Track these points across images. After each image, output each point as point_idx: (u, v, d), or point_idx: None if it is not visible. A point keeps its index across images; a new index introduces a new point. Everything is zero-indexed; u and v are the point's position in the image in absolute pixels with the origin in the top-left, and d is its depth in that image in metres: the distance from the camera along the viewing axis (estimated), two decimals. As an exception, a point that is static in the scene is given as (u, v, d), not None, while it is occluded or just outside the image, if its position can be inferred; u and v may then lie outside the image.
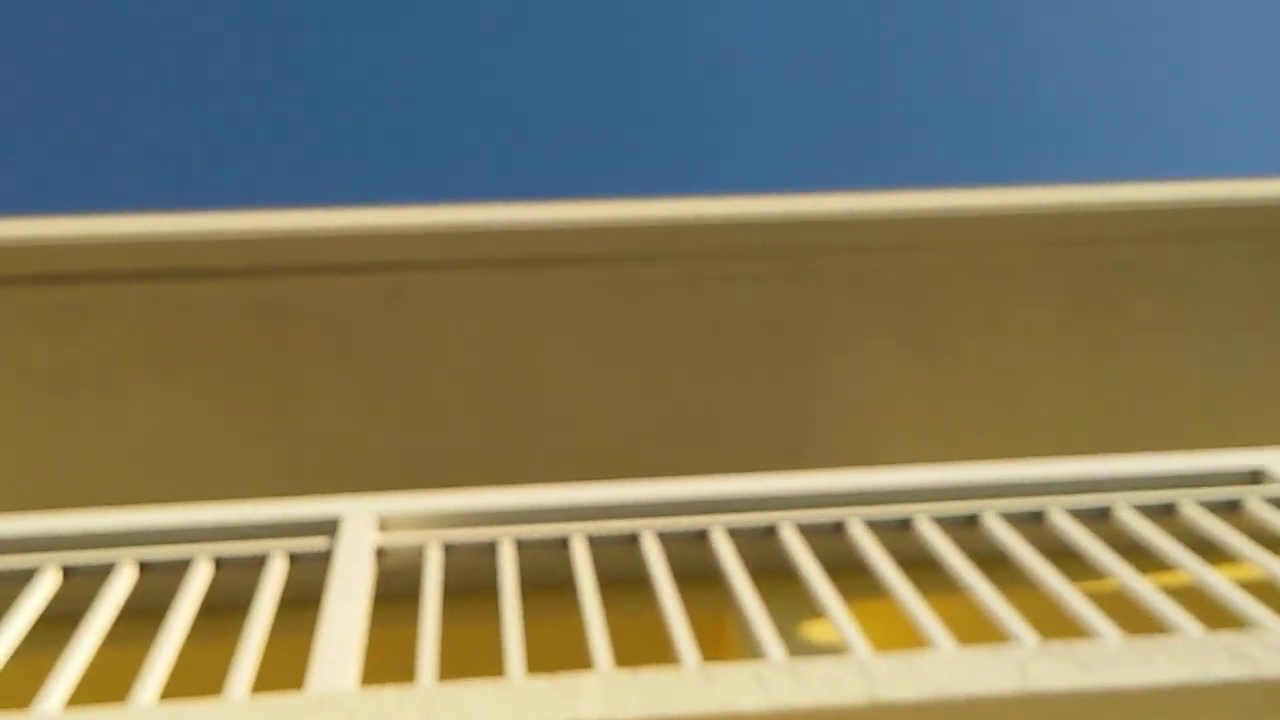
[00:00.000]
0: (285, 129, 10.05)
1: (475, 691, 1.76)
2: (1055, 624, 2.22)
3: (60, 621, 2.29)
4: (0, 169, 9.24)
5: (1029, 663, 1.79)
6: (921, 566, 2.46)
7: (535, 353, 4.42)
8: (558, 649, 2.33)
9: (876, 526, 2.54)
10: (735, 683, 1.77)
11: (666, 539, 2.48)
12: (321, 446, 4.31)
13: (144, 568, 2.34)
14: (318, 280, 4.06)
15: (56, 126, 9.74)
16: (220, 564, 2.37)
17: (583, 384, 4.50)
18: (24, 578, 2.28)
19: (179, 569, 2.33)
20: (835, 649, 2.52)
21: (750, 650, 2.49)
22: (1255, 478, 2.73)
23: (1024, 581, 2.40)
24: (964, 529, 2.56)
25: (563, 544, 2.47)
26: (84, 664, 2.00)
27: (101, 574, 2.30)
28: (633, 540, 2.48)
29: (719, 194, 4.23)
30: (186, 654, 2.21)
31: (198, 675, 2.21)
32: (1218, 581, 2.23)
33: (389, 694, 1.75)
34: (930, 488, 2.61)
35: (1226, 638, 1.89)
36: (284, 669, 2.15)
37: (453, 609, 2.38)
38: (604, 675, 1.80)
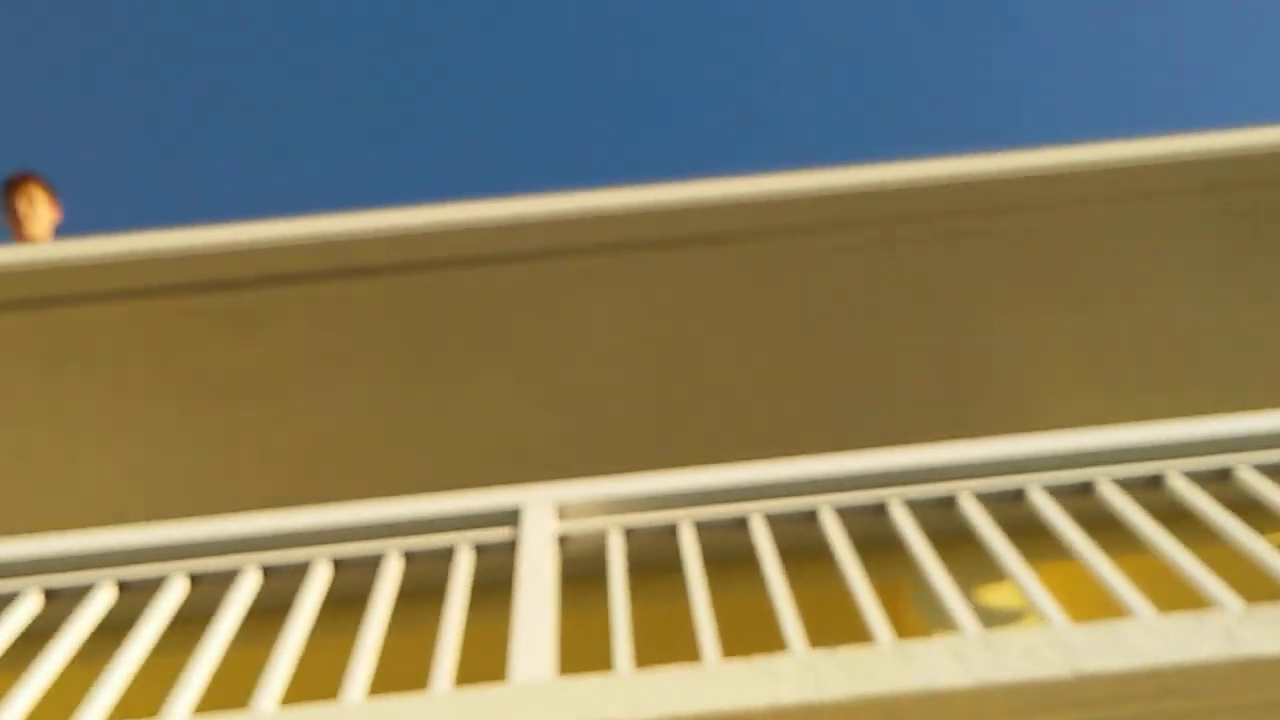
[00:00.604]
0: (428, 126, 10.19)
1: (673, 677, 1.78)
2: (1245, 586, 2.17)
3: (263, 616, 2.38)
4: (168, 182, 9.53)
5: (1235, 627, 1.76)
6: (1098, 531, 2.42)
7: (695, 332, 4.44)
8: (736, 624, 2.34)
9: (1057, 491, 2.50)
10: (933, 659, 1.77)
11: (845, 514, 2.48)
12: (484, 437, 4.37)
13: (338, 565, 2.41)
14: (473, 272, 4.13)
15: (219, 138, 10.02)
16: (410, 558, 2.42)
17: (744, 361, 4.50)
18: (226, 579, 2.36)
19: (371, 564, 2.39)
20: (1009, 618, 2.50)
21: (929, 624, 2.49)
22: None
23: (1208, 542, 2.35)
24: (1148, 490, 2.51)
25: (741, 524, 2.49)
26: (293, 659, 2.06)
27: (299, 572, 2.37)
28: (811, 517, 2.48)
29: (870, 162, 4.20)
30: (383, 647, 2.28)
31: (390, 669, 2.27)
32: None
33: (591, 683, 1.78)
34: (1111, 449, 2.56)
35: None
36: (470, 658, 2.20)
37: (632, 591, 2.40)
38: (800, 657, 1.81)
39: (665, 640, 2.27)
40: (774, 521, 2.48)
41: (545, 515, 2.50)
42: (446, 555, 2.43)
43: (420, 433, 4.43)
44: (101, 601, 2.32)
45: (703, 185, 4.31)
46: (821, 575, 2.38)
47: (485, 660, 2.17)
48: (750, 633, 2.30)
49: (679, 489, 2.54)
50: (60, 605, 2.36)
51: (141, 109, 9.98)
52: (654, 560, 2.52)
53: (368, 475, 4.36)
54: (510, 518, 2.50)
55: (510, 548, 2.43)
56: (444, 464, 4.39)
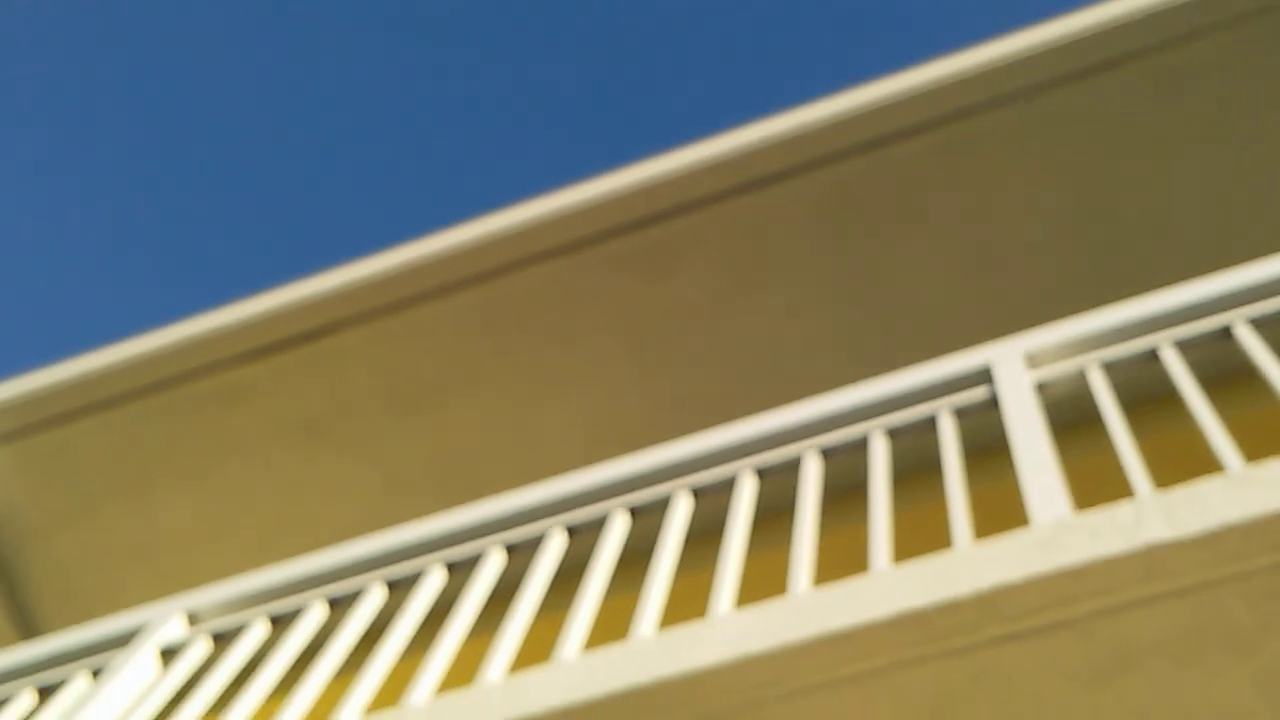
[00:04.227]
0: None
1: (1200, 490, 1.74)
2: None
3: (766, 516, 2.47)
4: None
5: None
6: None
7: (1103, 167, 4.26)
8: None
9: None
10: None
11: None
12: (912, 313, 4.34)
13: (825, 454, 2.48)
14: (878, 154, 4.11)
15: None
16: (894, 434, 2.46)
17: (1154, 184, 4.28)
18: (726, 486, 2.47)
19: (859, 448, 2.44)
20: None
21: None
22: None
23: None
24: None
25: (1225, 334, 2.39)
26: (812, 541, 2.13)
27: (792, 469, 2.45)
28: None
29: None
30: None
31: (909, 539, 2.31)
32: None
33: (1122, 509, 1.76)
34: None
35: None
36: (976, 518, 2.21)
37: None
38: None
39: (1166, 469, 2.21)
40: (1261, 326, 2.37)
41: (1017, 366, 2.47)
42: (930, 425, 2.45)
43: (847, 321, 4.43)
44: (554, 549, 2.47)
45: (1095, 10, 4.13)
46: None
47: (989, 526, 2.17)
48: (1259, 447, 2.21)
49: (1149, 313, 2.46)
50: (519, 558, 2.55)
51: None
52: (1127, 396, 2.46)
53: (798, 378, 4.41)
54: (983, 376, 2.49)
55: (991, 405, 2.42)
56: (877, 346, 4.37)
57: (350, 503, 4.48)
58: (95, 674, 2.54)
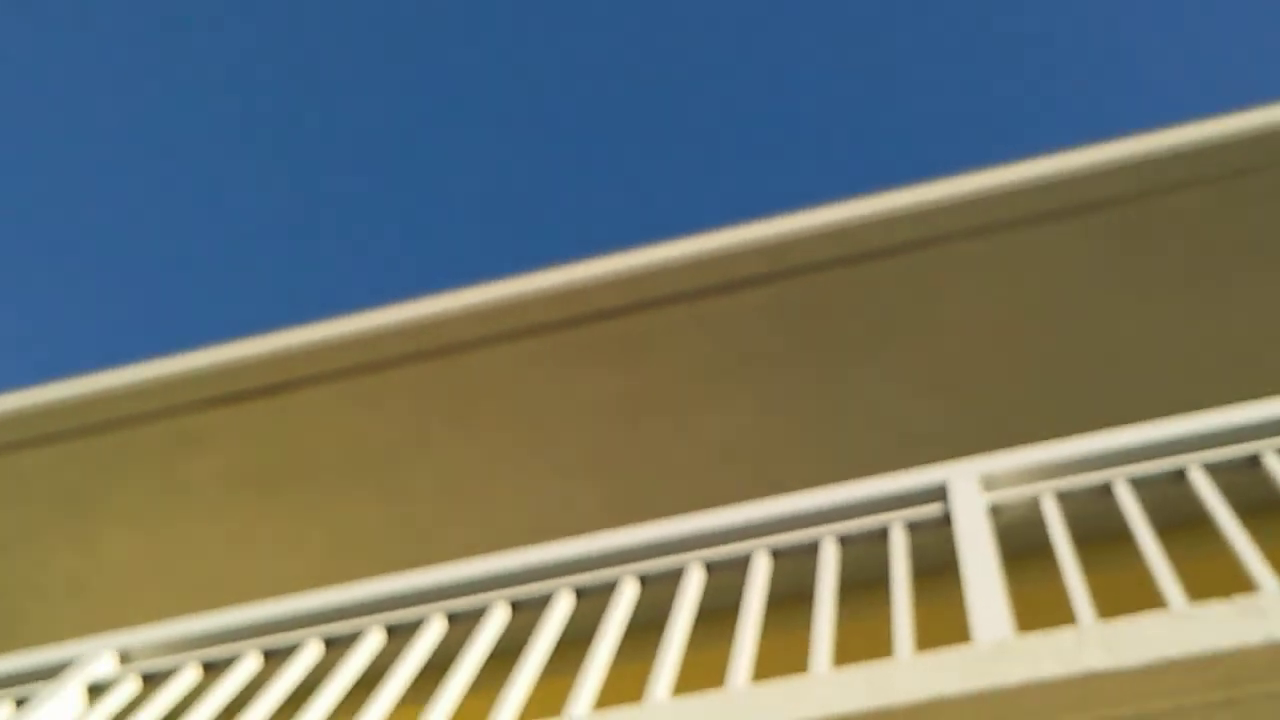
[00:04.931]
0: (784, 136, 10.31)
1: (1147, 623, 1.76)
2: None
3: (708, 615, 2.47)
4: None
5: None
6: None
7: (1069, 301, 4.33)
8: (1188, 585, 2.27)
9: None
10: None
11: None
12: (879, 428, 4.38)
13: (776, 555, 2.48)
14: (849, 270, 4.17)
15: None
16: (844, 541, 2.47)
17: (1127, 320, 4.35)
18: (673, 577, 2.47)
19: (810, 551, 2.46)
20: None
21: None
22: None
23: None
24: None
25: (1179, 477, 2.42)
26: (751, 650, 2.14)
27: (741, 566, 2.46)
28: (1254, 462, 2.39)
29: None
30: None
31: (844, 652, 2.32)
32: None
33: (1062, 637, 1.77)
34: None
35: None
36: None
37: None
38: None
39: (1113, 604, 2.23)
40: (1215, 472, 2.41)
41: (972, 487, 2.50)
42: (882, 536, 2.46)
43: (809, 430, 4.47)
44: (496, 622, 2.47)
45: (1070, 155, 4.22)
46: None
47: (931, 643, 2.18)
48: (1210, 591, 2.23)
49: (1109, 448, 2.49)
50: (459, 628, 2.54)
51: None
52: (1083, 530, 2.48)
53: (769, 476, 4.42)
54: (938, 493, 2.52)
55: (944, 523, 2.44)
56: (841, 459, 4.41)
57: (294, 559, 4.45)
58: (19, 704, 2.51)
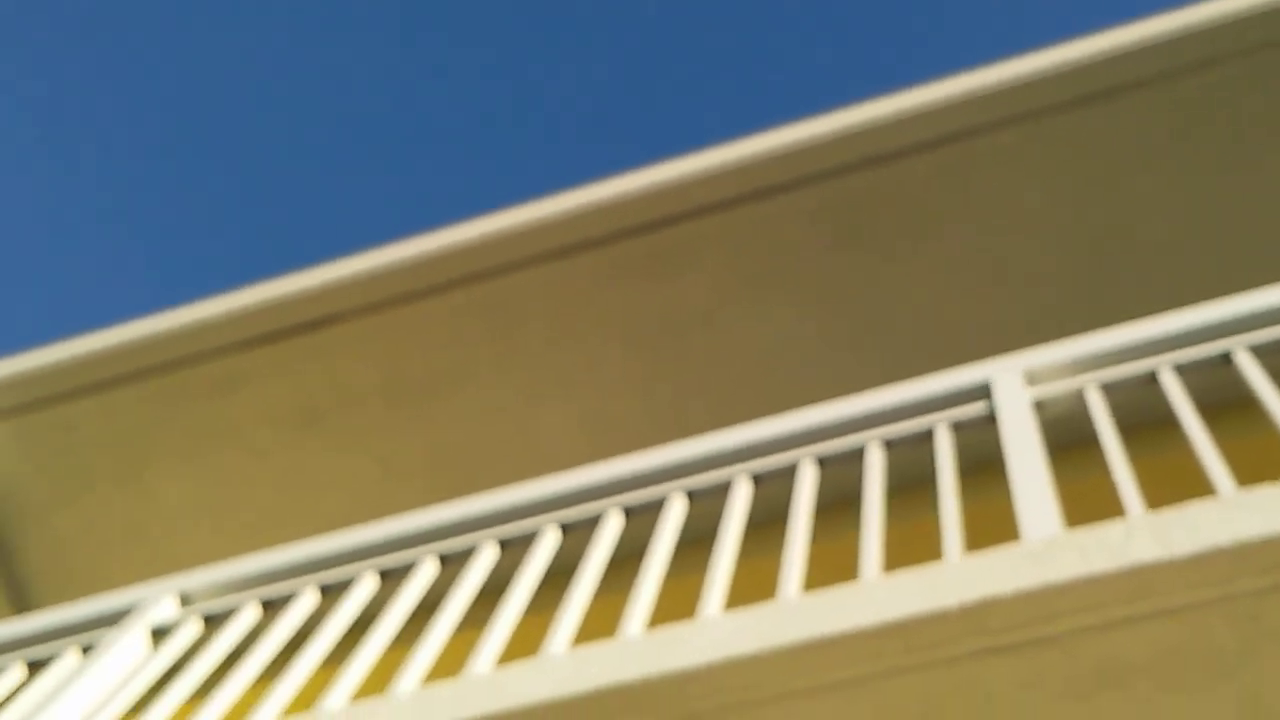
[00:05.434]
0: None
1: (1198, 510, 1.75)
2: None
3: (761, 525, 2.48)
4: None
5: None
6: None
7: (1114, 188, 4.27)
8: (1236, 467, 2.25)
9: None
10: None
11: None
12: (923, 326, 4.35)
13: (822, 462, 2.48)
14: (888, 168, 4.12)
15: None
16: (890, 446, 2.47)
17: (1167, 207, 4.29)
18: (720, 490, 2.48)
19: (856, 457, 2.45)
20: None
21: None
22: None
23: None
24: None
25: (1225, 360, 2.39)
26: (802, 553, 2.14)
27: (788, 475, 2.46)
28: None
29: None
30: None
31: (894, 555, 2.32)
32: None
33: (1112, 530, 1.77)
34: None
35: None
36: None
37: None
38: None
39: (1164, 490, 2.22)
40: (1260, 354, 2.38)
41: (1016, 383, 2.48)
42: (927, 438, 2.45)
43: (851, 333, 4.44)
44: (547, 545, 2.48)
45: (1094, 40, 4.14)
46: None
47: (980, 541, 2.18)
48: (1261, 473, 2.21)
49: (1152, 335, 2.47)
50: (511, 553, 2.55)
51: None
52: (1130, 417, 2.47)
53: (799, 385, 4.41)
54: (982, 391, 2.50)
55: (989, 421, 2.43)
56: (879, 360, 4.38)
57: (345, 493, 4.49)
58: (85, 650, 2.55)
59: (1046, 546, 1.78)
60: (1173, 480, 2.24)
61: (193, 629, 2.56)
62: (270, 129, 10.58)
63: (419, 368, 4.50)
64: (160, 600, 2.62)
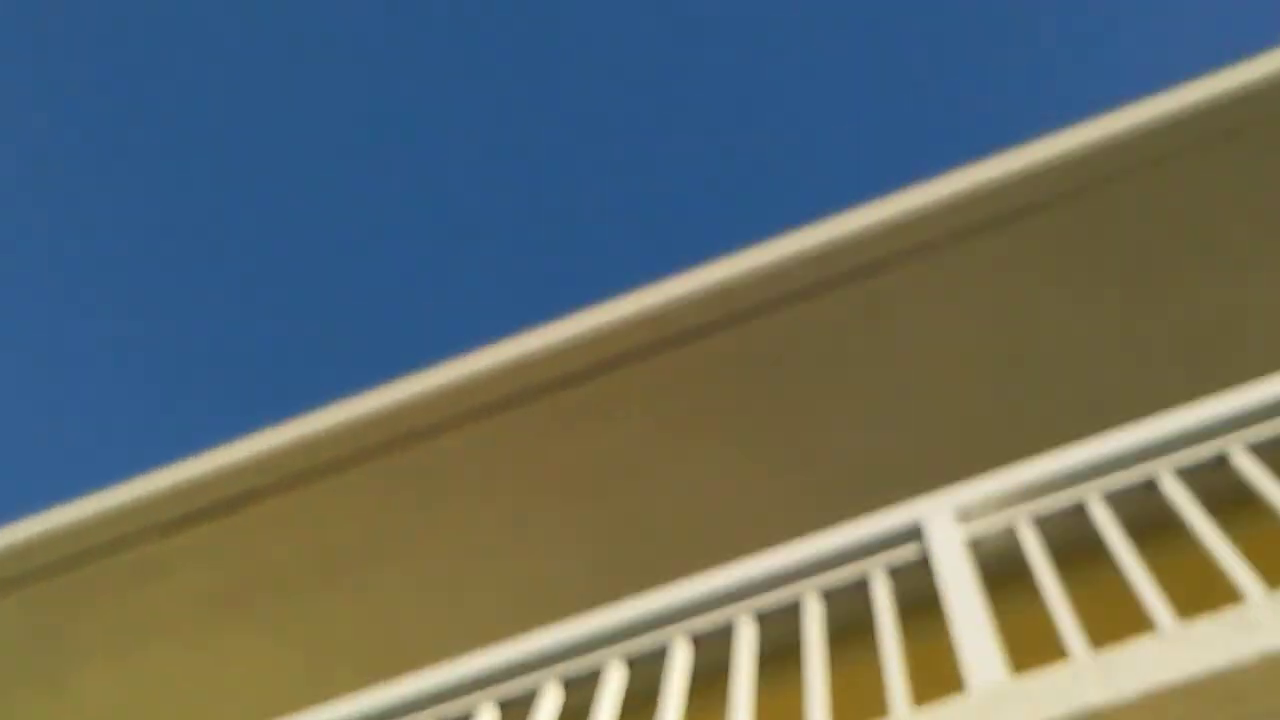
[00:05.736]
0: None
1: (1143, 649, 1.72)
2: None
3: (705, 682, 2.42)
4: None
5: None
6: None
7: (1017, 312, 4.32)
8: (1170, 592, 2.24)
9: None
10: None
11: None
12: (850, 464, 4.34)
13: (761, 619, 2.44)
14: (799, 307, 4.14)
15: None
16: (827, 595, 2.43)
17: (1076, 326, 4.34)
18: (659, 655, 2.43)
19: (793, 611, 2.42)
20: None
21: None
22: None
23: None
24: None
25: (1149, 487, 2.39)
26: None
27: (725, 635, 2.41)
28: (1221, 462, 2.37)
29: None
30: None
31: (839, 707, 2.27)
32: None
33: (1057, 675, 1.74)
34: None
35: None
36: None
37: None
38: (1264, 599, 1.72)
39: (1099, 624, 2.20)
40: (1186, 476, 2.38)
41: (948, 522, 2.46)
42: (863, 585, 2.42)
43: (778, 473, 4.42)
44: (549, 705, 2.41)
45: (986, 167, 4.22)
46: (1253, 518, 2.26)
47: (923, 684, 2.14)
48: (1188, 597, 2.20)
49: (1079, 463, 2.46)
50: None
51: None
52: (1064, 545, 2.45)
53: (731, 532, 4.37)
54: (914, 533, 2.48)
55: (922, 564, 2.40)
56: (811, 501, 4.36)
57: (272, 679, 4.35)
58: None
59: (994, 696, 1.74)
60: (1111, 606, 2.22)
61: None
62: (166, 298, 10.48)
63: (345, 539, 4.41)
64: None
